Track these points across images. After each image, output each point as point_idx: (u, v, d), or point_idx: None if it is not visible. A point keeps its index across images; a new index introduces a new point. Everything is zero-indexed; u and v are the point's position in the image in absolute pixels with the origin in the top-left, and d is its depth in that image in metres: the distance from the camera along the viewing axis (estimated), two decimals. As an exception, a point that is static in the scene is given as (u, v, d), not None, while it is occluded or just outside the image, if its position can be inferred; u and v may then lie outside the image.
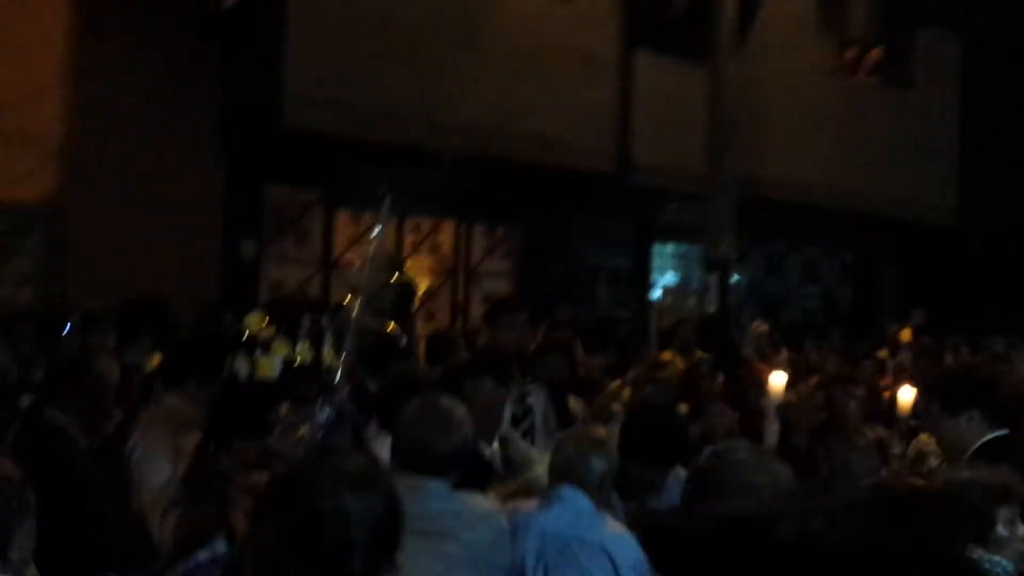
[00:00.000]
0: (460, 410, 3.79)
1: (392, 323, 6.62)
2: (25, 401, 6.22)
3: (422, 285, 14.18)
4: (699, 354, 10.10)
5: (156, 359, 8.15)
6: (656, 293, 16.77)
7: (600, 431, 4.39)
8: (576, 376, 8.58)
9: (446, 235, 14.88)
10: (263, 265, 12.98)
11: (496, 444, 5.28)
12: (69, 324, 8.51)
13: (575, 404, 7.54)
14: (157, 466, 4.49)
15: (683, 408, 7.79)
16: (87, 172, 11.15)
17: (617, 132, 14.41)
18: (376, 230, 4.13)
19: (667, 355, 10.73)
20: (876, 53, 17.54)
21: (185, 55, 11.76)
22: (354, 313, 4.02)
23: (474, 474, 4.57)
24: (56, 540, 3.53)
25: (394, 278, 10.82)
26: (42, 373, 6.29)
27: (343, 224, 13.79)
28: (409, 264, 14.32)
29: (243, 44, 12.06)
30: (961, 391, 4.81)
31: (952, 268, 18.23)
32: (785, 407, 7.74)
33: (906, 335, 13.63)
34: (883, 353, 11.47)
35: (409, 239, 14.50)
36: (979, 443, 4.67)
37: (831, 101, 16.56)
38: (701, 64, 13.89)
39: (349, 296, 4.21)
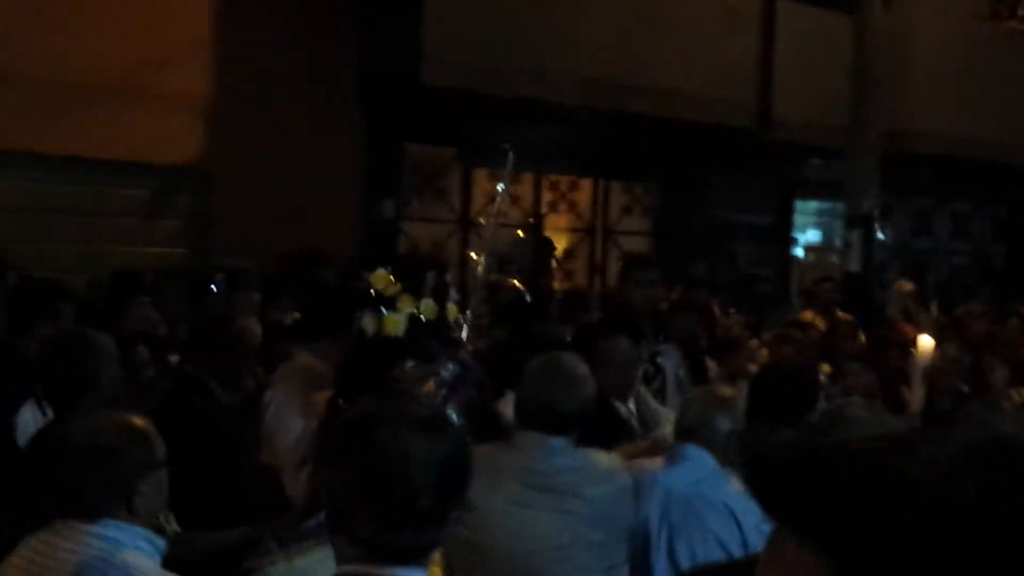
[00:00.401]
0: (582, 368, 3.78)
1: (516, 280, 6.64)
2: (174, 358, 6.44)
3: (559, 243, 14.21)
4: (840, 314, 9.89)
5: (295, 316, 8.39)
6: (798, 251, 16.45)
7: (727, 390, 4.33)
8: (713, 335, 8.51)
9: (583, 193, 14.82)
10: (402, 223, 13.14)
11: (632, 403, 5.26)
12: (216, 282, 8.79)
13: (711, 364, 7.47)
14: (290, 422, 4.58)
15: (825, 369, 7.67)
16: (231, 132, 11.41)
17: (758, 86, 14.12)
18: (500, 188, 4.12)
19: (807, 315, 10.56)
20: (1030, -3, 16.80)
21: (326, 15, 11.92)
22: (479, 270, 4.05)
23: (609, 431, 4.57)
24: (192, 493, 3.65)
25: (520, 235, 10.89)
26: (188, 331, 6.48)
27: (480, 182, 13.86)
28: (546, 222, 14.35)
29: (382, 4, 12.16)
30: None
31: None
32: (929, 370, 7.54)
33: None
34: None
35: (546, 197, 14.49)
36: None
37: (982, 50, 15.88)
38: (846, 13, 13.48)
39: (474, 254, 4.23)
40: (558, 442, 3.70)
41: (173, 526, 3.60)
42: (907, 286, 10.77)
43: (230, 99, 11.43)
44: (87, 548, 2.80)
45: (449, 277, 3.95)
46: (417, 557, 2.13)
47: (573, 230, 14.72)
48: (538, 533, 3.62)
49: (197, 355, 5.22)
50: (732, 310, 10.20)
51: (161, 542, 3.02)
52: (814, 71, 13.91)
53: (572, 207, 14.75)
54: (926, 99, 15.13)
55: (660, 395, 5.70)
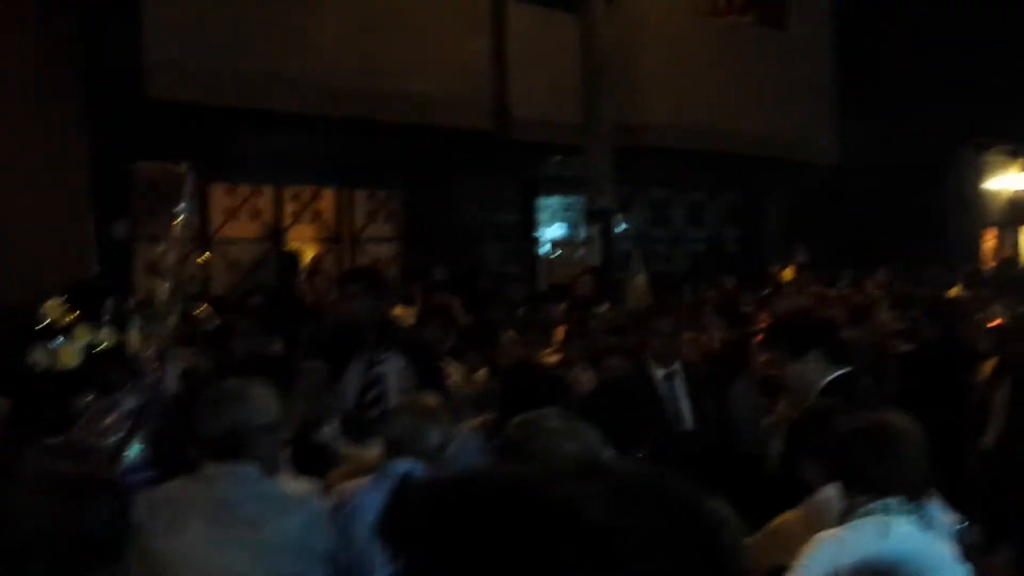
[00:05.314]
0: (255, 390, 3.57)
1: (204, 306, 6.45)
2: None
3: (307, 255, 13.97)
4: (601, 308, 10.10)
5: None
6: (545, 247, 16.71)
7: (432, 400, 4.24)
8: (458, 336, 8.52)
9: (327, 202, 14.63)
10: (136, 244, 12.63)
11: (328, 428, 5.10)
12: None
13: (454, 368, 7.44)
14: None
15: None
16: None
17: (493, 87, 14.25)
18: (180, 209, 3.94)
19: (561, 308, 10.72)
20: (746, -9, 17.62)
21: (44, 30, 11.30)
22: (163, 297, 3.86)
23: (308, 458, 4.43)
24: None
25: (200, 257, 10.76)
26: None
27: (219, 197, 13.51)
28: (290, 234, 14.12)
29: (102, 15, 11.64)
30: (802, 334, 4.86)
31: (835, 205, 18.49)
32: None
33: (788, 274, 13.75)
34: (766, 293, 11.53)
35: (289, 208, 14.23)
36: (824, 382, 4.71)
37: (706, 44, 16.56)
38: (573, 12, 13.76)
39: (157, 280, 4.04)
40: (243, 470, 3.50)
41: None
42: (642, 277, 11.02)
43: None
44: None
45: (132, 302, 3.75)
46: None
47: (319, 240, 14.51)
48: (230, 569, 3.43)
49: None
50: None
51: None
52: (547, 70, 14.14)
53: (316, 217, 14.54)
54: (655, 93, 15.62)
55: (381, 404, 5.60)
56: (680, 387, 6.35)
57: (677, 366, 6.40)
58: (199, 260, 11.61)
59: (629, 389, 6.41)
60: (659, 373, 6.34)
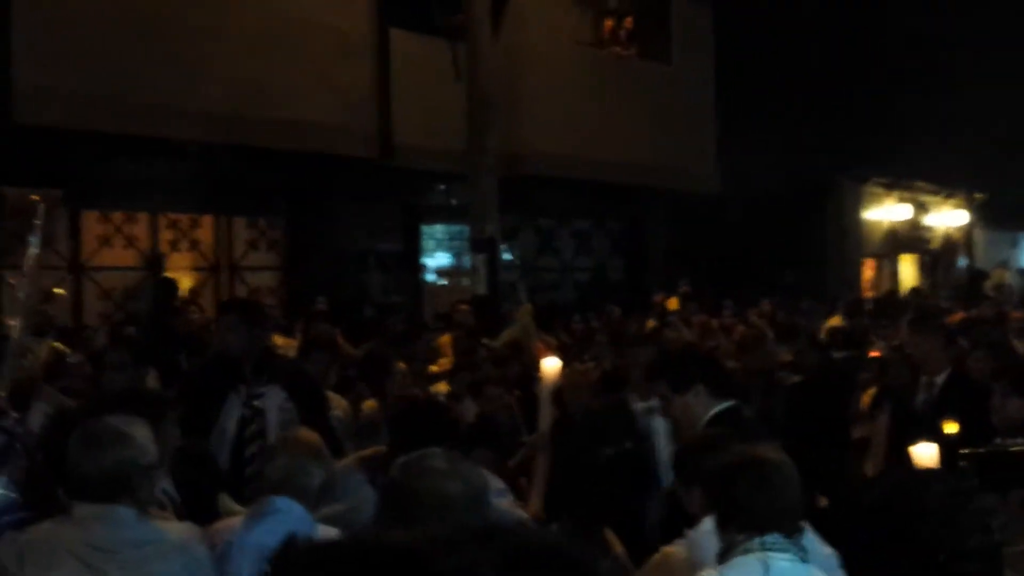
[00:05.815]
0: (132, 430, 3.37)
1: (60, 344, 6.20)
2: None
3: (184, 284, 13.60)
4: (483, 339, 10.00)
5: None
6: (429, 276, 16.55)
7: (312, 436, 4.07)
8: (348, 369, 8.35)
9: (205, 230, 14.29)
10: (4, 273, 12.16)
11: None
12: None
13: (338, 400, 7.27)
14: None
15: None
16: None
17: (376, 114, 14.11)
18: (32, 242, 3.73)
19: (445, 338, 10.60)
20: (629, 21, 17.76)
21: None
22: (15, 333, 3.64)
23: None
24: None
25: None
26: None
27: (91, 224, 13.10)
28: (168, 262, 13.74)
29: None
30: (685, 369, 4.84)
31: (717, 233, 18.73)
32: (560, 390, 7.67)
33: (673, 303, 13.87)
34: (650, 323, 11.58)
35: (166, 236, 13.85)
36: (709, 414, 4.68)
37: (591, 74, 16.68)
38: (458, 41, 13.71)
39: (10, 319, 3.81)
40: (122, 512, 3.30)
41: None
42: (526, 307, 10.95)
43: None
44: None
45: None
46: None
47: (197, 269, 14.15)
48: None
49: None
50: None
51: None
52: (431, 98, 14.06)
53: (194, 245, 14.18)
54: (540, 123, 15.63)
55: (262, 437, 5.40)
56: (660, 421, 5.58)
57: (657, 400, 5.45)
58: (55, 292, 11.25)
59: (605, 421, 5.96)
60: (639, 406, 5.76)
